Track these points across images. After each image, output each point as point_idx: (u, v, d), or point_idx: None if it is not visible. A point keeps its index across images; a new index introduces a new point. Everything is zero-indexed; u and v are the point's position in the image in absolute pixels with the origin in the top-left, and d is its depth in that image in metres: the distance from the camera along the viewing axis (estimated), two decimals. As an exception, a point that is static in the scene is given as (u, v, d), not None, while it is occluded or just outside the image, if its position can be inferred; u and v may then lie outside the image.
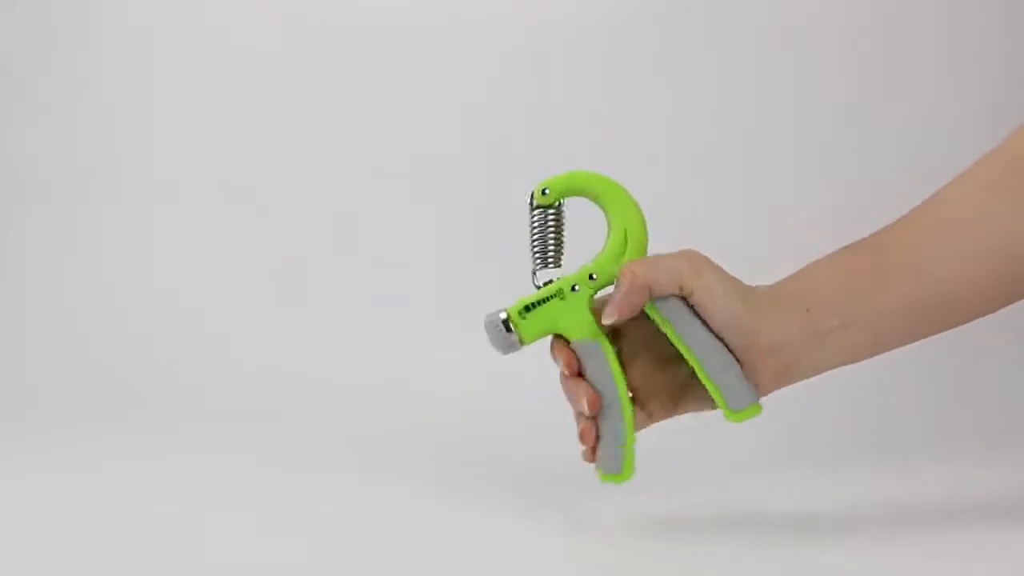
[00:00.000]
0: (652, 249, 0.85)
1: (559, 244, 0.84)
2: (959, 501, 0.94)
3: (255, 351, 1.38)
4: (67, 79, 1.52)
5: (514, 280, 0.94)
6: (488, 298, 1.37)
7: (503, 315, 0.83)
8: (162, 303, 1.45)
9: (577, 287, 0.83)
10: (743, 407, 0.81)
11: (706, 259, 0.82)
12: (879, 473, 1.03)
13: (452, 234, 1.43)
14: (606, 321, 0.82)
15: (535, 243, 0.84)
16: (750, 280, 0.83)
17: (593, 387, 0.83)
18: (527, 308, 0.83)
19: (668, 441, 0.87)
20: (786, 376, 0.82)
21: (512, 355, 0.85)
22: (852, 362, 0.84)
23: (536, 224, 0.84)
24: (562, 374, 0.84)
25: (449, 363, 1.31)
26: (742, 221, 1.39)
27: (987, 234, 0.82)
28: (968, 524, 0.87)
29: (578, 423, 0.84)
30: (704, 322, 0.81)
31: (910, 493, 0.96)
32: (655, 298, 0.81)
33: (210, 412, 1.28)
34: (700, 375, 0.82)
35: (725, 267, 0.83)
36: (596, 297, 0.84)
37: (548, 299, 0.83)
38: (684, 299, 0.81)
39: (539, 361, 0.88)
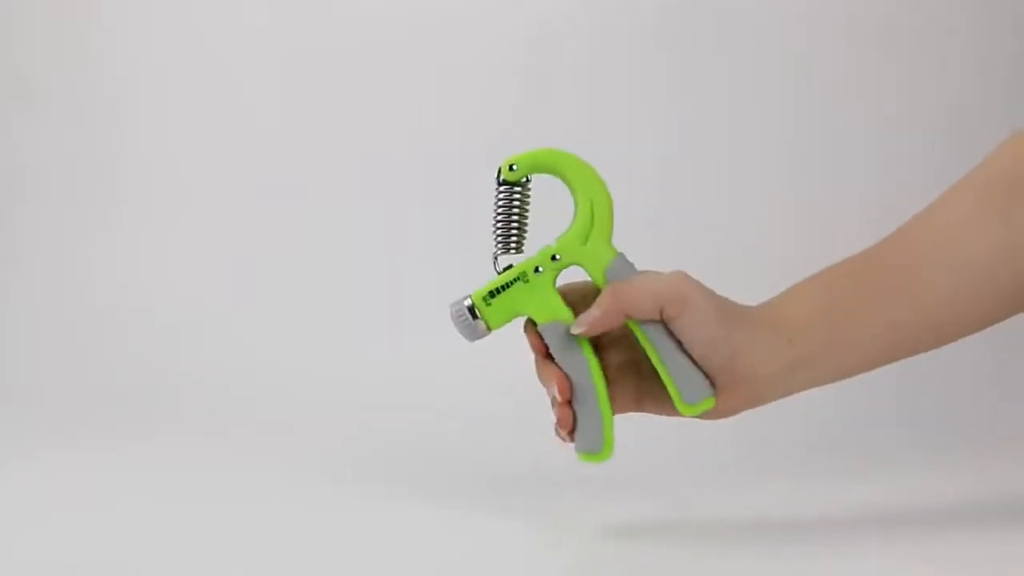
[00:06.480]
0: (638, 245, 0.84)
1: (522, 227, 0.82)
2: (945, 503, 0.94)
3: (256, 351, 1.39)
4: (77, 78, 1.52)
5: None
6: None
7: (468, 302, 0.82)
8: (167, 304, 1.46)
9: (540, 268, 0.82)
10: (697, 400, 0.80)
11: (694, 286, 0.80)
12: (859, 476, 1.03)
13: (455, 238, 1.44)
14: (574, 331, 0.80)
15: (499, 223, 0.82)
16: (733, 286, 0.82)
17: (562, 369, 0.81)
18: (492, 293, 0.81)
19: (650, 444, 0.88)
20: (758, 400, 0.81)
21: (516, 350, 0.85)
22: (828, 383, 0.83)
23: (501, 202, 0.82)
24: (536, 358, 0.83)
25: (450, 363, 1.32)
26: (732, 223, 1.40)
27: (976, 251, 0.80)
28: (955, 526, 0.87)
29: (553, 407, 0.82)
30: (680, 344, 0.80)
31: (890, 496, 0.96)
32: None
33: (210, 412, 1.28)
34: (659, 368, 0.80)
35: (713, 272, 0.83)
36: (566, 289, 0.83)
37: (512, 283, 0.82)
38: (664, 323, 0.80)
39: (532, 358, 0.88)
